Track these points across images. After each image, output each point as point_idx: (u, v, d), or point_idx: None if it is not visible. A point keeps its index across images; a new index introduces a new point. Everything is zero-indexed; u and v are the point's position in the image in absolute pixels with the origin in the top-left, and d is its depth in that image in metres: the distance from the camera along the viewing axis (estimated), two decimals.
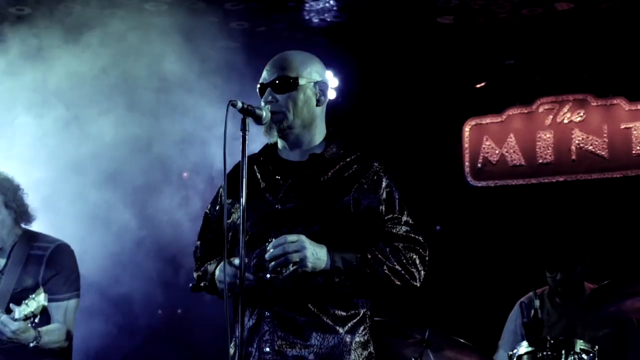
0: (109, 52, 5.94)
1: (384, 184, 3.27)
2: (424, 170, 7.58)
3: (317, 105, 3.34)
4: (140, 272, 6.56)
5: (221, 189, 3.45)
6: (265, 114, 3.18)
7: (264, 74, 3.35)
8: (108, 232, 6.14)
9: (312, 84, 3.32)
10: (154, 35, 6.06)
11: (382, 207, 3.23)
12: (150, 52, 6.04)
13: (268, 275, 3.09)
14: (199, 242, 3.57)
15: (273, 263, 3.03)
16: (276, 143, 3.42)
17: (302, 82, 3.29)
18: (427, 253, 3.29)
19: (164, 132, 6.28)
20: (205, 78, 6.15)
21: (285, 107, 3.26)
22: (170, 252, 6.57)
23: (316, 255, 3.06)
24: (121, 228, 6.23)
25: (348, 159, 3.33)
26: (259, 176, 3.36)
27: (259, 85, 3.36)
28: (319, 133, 3.38)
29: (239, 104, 3.06)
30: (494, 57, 7.43)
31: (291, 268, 3.02)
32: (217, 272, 3.28)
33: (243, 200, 3.02)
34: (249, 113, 3.10)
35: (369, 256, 3.14)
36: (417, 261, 3.22)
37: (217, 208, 3.50)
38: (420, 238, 3.29)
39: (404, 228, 3.25)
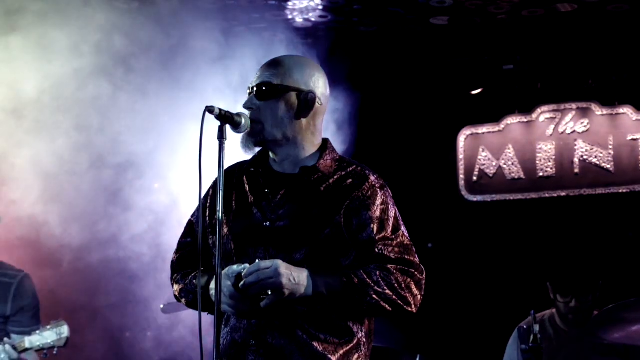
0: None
1: (378, 201, 3.23)
2: (415, 184, 7.59)
3: (300, 117, 3.30)
4: None
5: (209, 199, 3.43)
6: (245, 121, 3.18)
7: (255, 77, 3.35)
8: None
9: (300, 93, 3.29)
10: (120, 34, 6.07)
11: (374, 226, 3.20)
12: (115, 51, 6.06)
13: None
14: (178, 254, 3.53)
15: (246, 293, 3.04)
16: (268, 151, 3.40)
17: (285, 90, 3.28)
18: (424, 276, 3.26)
19: None
20: (176, 81, 6.17)
21: (266, 117, 3.26)
22: None
23: (294, 280, 3.04)
24: None
25: (343, 173, 3.30)
26: (247, 188, 3.36)
27: (248, 89, 3.36)
28: (309, 146, 3.34)
29: (216, 110, 3.07)
30: (492, 61, 7.46)
31: (269, 297, 3.03)
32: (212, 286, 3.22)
33: (219, 214, 3.01)
34: (226, 120, 3.10)
35: (355, 280, 3.11)
36: (412, 285, 3.19)
37: (207, 219, 3.45)
38: (416, 260, 3.25)
39: (396, 249, 3.21)
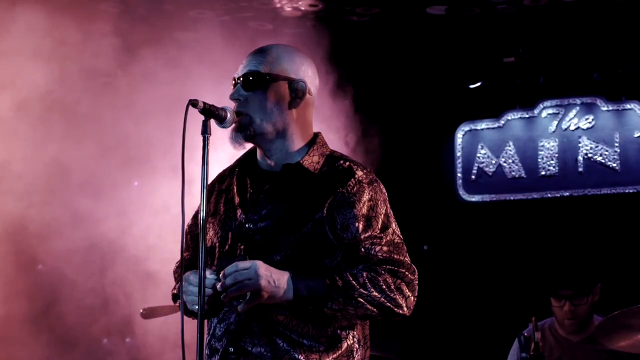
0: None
1: (365, 197, 3.21)
2: (410, 182, 7.60)
3: (290, 108, 3.30)
4: None
5: (200, 202, 3.44)
6: (230, 115, 3.18)
7: (240, 66, 3.35)
8: None
9: (289, 82, 3.30)
10: (100, 24, 6.08)
11: (359, 224, 3.17)
12: (97, 43, 6.07)
13: (235, 302, 3.12)
14: (177, 262, 3.59)
15: (224, 295, 3.05)
16: (256, 149, 3.41)
17: (275, 80, 3.28)
18: (416, 276, 3.24)
19: None
20: (155, 75, 6.18)
21: (253, 108, 3.26)
22: None
23: (273, 283, 3.04)
24: None
25: (330, 168, 3.29)
26: (235, 189, 3.37)
27: (232, 81, 3.36)
28: (298, 139, 3.33)
29: (200, 104, 3.07)
30: (491, 53, 7.47)
31: (248, 299, 3.04)
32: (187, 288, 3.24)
33: (202, 214, 3.03)
34: (210, 114, 3.11)
35: (340, 282, 3.10)
36: (403, 287, 3.17)
37: (197, 222, 3.49)
38: (406, 259, 3.23)
39: (384, 248, 3.18)
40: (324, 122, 6.66)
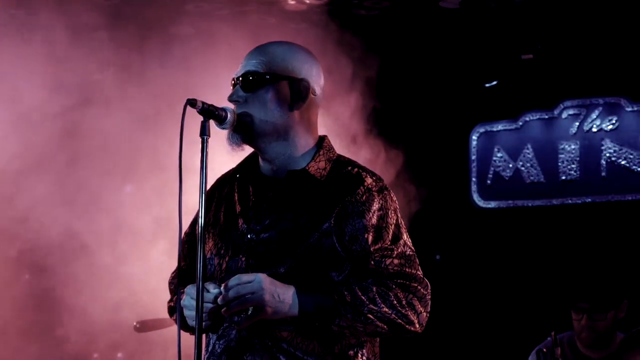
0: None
1: (375, 206, 3.22)
2: (421, 188, 7.59)
3: (292, 109, 3.31)
4: None
5: (198, 210, 3.46)
6: (230, 115, 3.20)
7: (239, 66, 3.37)
8: None
9: (291, 81, 3.31)
10: (89, 17, 6.12)
11: (369, 236, 3.19)
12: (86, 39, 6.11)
13: (236, 317, 3.14)
14: (173, 273, 3.62)
15: (224, 309, 3.07)
16: (257, 154, 3.42)
17: (277, 79, 3.30)
18: (429, 291, 3.25)
19: None
20: (148, 72, 6.21)
21: (255, 109, 3.27)
22: None
23: (278, 298, 3.06)
24: None
25: (337, 175, 3.30)
26: (236, 197, 3.38)
27: (232, 82, 3.38)
28: (301, 143, 3.34)
29: (199, 104, 3.10)
30: (509, 50, 7.49)
31: (250, 314, 3.06)
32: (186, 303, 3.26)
33: (200, 221, 3.05)
34: (210, 114, 3.13)
35: (348, 298, 3.11)
36: (415, 302, 3.19)
37: (195, 230, 3.48)
38: (419, 273, 3.25)
39: (395, 261, 3.19)
40: (334, 121, 6.71)
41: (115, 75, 6.30)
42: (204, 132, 3.10)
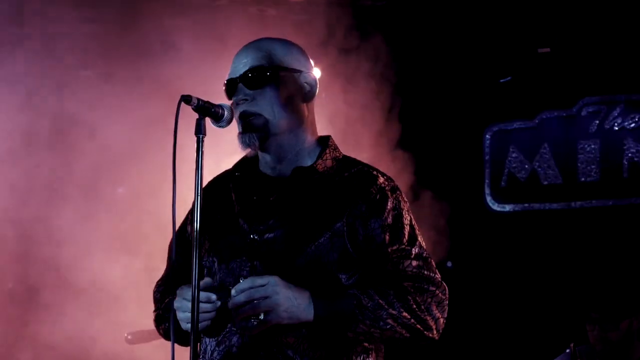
0: None
1: (389, 205, 3.25)
2: (431, 190, 7.58)
3: (303, 102, 3.38)
4: None
5: (190, 212, 3.44)
6: (227, 113, 3.18)
7: (233, 67, 3.37)
8: None
9: (296, 74, 3.36)
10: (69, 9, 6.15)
11: (386, 236, 3.21)
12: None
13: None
14: (159, 281, 3.59)
15: (234, 314, 3.04)
16: (256, 154, 3.43)
17: (283, 72, 3.32)
18: (447, 295, 3.26)
19: None
20: (140, 67, 6.22)
21: (264, 106, 3.29)
22: None
23: (293, 302, 3.05)
24: None
25: (346, 174, 3.33)
26: (234, 197, 3.38)
27: (226, 83, 3.38)
28: (309, 140, 3.39)
29: (194, 100, 3.07)
30: (524, 43, 7.46)
31: (261, 318, 3.02)
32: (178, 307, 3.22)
33: (196, 225, 3.01)
34: (206, 112, 3.11)
35: (367, 302, 3.11)
36: (433, 306, 3.20)
37: (187, 234, 3.51)
38: (437, 276, 3.26)
39: (414, 263, 3.22)
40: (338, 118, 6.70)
41: (105, 68, 6.31)
42: (200, 131, 3.08)
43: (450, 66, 7.66)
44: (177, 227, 3.50)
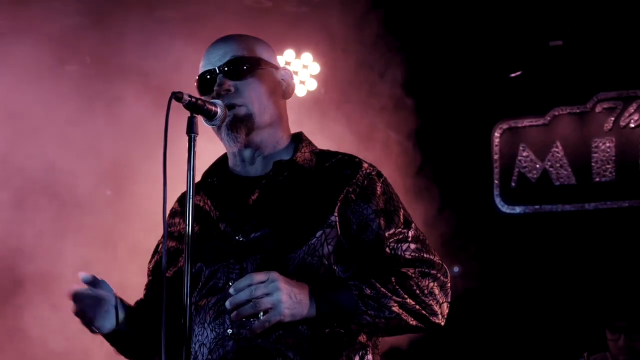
0: None
1: (378, 190, 3.29)
2: (437, 191, 7.57)
3: (282, 98, 3.43)
4: None
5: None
6: (221, 110, 3.17)
7: (208, 59, 3.36)
8: None
9: (274, 70, 3.39)
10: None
11: (380, 221, 3.24)
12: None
13: (229, 331, 3.09)
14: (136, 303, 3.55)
15: (235, 312, 2.98)
16: (224, 157, 3.43)
17: (264, 65, 3.35)
18: (449, 278, 3.28)
19: None
20: (131, 60, 6.24)
21: (248, 97, 3.29)
22: None
23: (295, 298, 3.02)
24: None
25: (327, 164, 3.36)
26: (208, 205, 3.36)
27: (201, 75, 3.35)
28: (284, 136, 3.42)
29: (185, 97, 3.03)
30: (535, 36, 7.45)
31: (262, 317, 2.98)
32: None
33: (188, 230, 2.95)
34: (198, 109, 3.09)
35: (369, 292, 3.10)
36: (436, 290, 3.21)
37: (157, 256, 3.52)
38: (437, 259, 3.28)
39: (412, 246, 3.25)
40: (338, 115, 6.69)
41: (94, 65, 6.32)
42: (192, 129, 3.04)
43: (457, 60, 7.64)
44: (153, 260, 3.55)
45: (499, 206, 7.72)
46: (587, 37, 7.40)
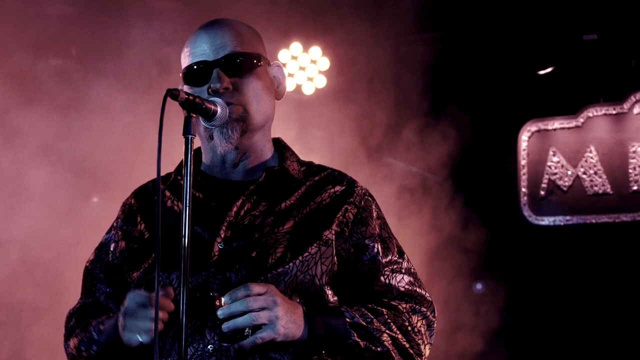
0: None
1: (374, 213, 3.35)
2: (460, 201, 7.58)
3: (275, 99, 3.43)
4: None
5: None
6: (221, 110, 3.15)
7: (201, 47, 3.32)
8: None
9: (268, 66, 3.39)
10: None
11: (377, 246, 3.29)
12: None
13: (210, 347, 3.06)
14: (73, 310, 3.50)
15: (228, 324, 2.97)
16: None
17: (262, 61, 3.35)
18: (436, 317, 3.32)
19: None
20: (123, 55, 6.28)
21: (246, 97, 3.28)
22: None
23: (290, 317, 3.03)
24: None
25: (317, 177, 3.37)
26: (179, 206, 3.33)
27: (191, 66, 3.31)
28: (269, 140, 3.44)
29: (182, 95, 2.99)
30: (568, 29, 7.45)
31: (258, 335, 2.97)
32: (123, 330, 3.12)
33: (185, 239, 2.93)
34: (195, 108, 3.05)
35: (362, 321, 3.13)
36: (423, 330, 3.26)
37: (117, 251, 3.44)
38: (427, 295, 3.33)
39: (406, 279, 3.32)
40: (348, 117, 6.69)
41: (87, 55, 6.37)
42: (188, 130, 3.00)
43: (482, 56, 7.65)
44: (103, 259, 3.50)
45: (527, 217, 7.70)
46: (624, 30, 7.40)
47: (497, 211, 7.72)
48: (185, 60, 3.35)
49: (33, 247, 6.53)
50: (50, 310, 6.41)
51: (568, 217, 7.65)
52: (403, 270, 3.31)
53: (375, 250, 3.27)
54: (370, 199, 3.38)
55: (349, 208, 3.29)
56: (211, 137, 3.28)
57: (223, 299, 3.00)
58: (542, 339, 7.41)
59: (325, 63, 7.40)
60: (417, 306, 3.28)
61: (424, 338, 3.26)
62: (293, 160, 3.41)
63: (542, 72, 7.62)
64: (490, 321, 7.07)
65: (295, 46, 7.37)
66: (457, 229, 7.23)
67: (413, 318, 3.24)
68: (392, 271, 3.29)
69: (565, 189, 7.65)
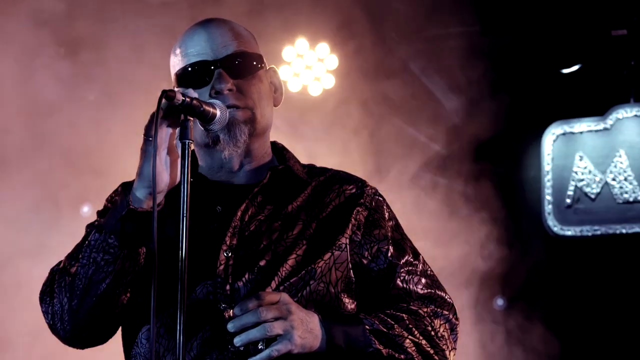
0: None
1: (386, 214, 3.40)
2: (480, 209, 7.59)
3: (274, 105, 3.47)
4: None
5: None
6: (221, 113, 3.12)
7: (200, 46, 3.32)
8: None
9: (267, 70, 3.43)
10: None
11: (391, 248, 3.34)
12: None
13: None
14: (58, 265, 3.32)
15: (241, 337, 2.97)
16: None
17: (263, 63, 3.39)
18: (459, 320, 3.35)
19: None
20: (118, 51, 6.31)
21: (251, 100, 3.29)
22: None
23: (307, 326, 3.04)
24: None
25: (322, 178, 3.40)
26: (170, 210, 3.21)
27: (189, 65, 3.31)
28: (269, 145, 3.47)
29: (179, 97, 2.96)
30: (596, 24, 7.46)
31: (273, 347, 2.97)
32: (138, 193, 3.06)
33: (182, 245, 2.89)
34: (193, 111, 3.03)
35: (382, 327, 3.15)
36: (447, 334, 3.28)
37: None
38: (448, 297, 3.37)
39: (423, 281, 3.36)
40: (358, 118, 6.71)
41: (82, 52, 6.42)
42: (186, 135, 2.99)
43: (503, 53, 7.65)
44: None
45: (552, 227, 7.70)
46: None
47: (520, 221, 7.73)
48: (178, 62, 3.35)
49: None
50: None
51: (596, 227, 7.65)
52: (419, 272, 3.34)
53: (390, 253, 3.31)
54: (381, 199, 3.42)
55: (360, 210, 3.33)
56: (213, 141, 3.26)
57: (233, 311, 3.01)
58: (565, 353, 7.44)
59: (333, 61, 7.42)
60: (438, 309, 3.30)
61: (448, 343, 3.28)
62: (295, 161, 3.43)
63: (567, 71, 7.62)
64: (514, 334, 7.09)
65: (301, 42, 7.38)
66: (476, 240, 7.23)
67: (435, 322, 3.26)
68: (409, 273, 3.32)
69: (592, 196, 7.66)
